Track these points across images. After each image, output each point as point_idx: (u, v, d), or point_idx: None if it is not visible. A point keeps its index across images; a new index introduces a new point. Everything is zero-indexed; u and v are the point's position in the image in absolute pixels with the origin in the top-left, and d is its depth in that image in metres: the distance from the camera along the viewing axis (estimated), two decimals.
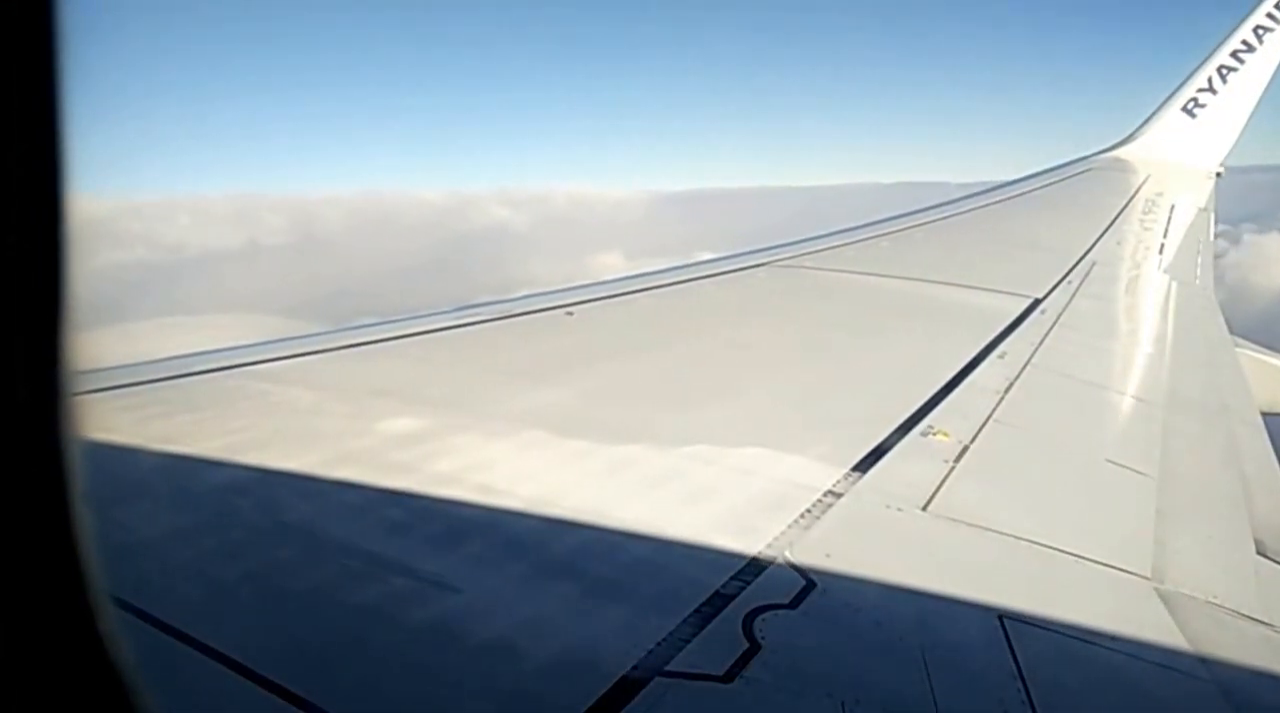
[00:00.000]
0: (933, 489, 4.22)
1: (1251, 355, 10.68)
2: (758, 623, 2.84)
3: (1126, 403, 7.00)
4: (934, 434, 4.96)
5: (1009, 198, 16.37)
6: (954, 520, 3.97)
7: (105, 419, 3.87)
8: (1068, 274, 10.88)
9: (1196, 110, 20.82)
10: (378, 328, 5.87)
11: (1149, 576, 3.87)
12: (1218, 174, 20.72)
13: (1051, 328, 8.24)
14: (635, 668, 2.54)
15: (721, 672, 2.58)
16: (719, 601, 2.96)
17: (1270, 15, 20.23)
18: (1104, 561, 3.89)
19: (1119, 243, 14.15)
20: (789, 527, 3.60)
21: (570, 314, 6.73)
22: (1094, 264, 11.88)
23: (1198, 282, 13.69)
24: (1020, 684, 2.76)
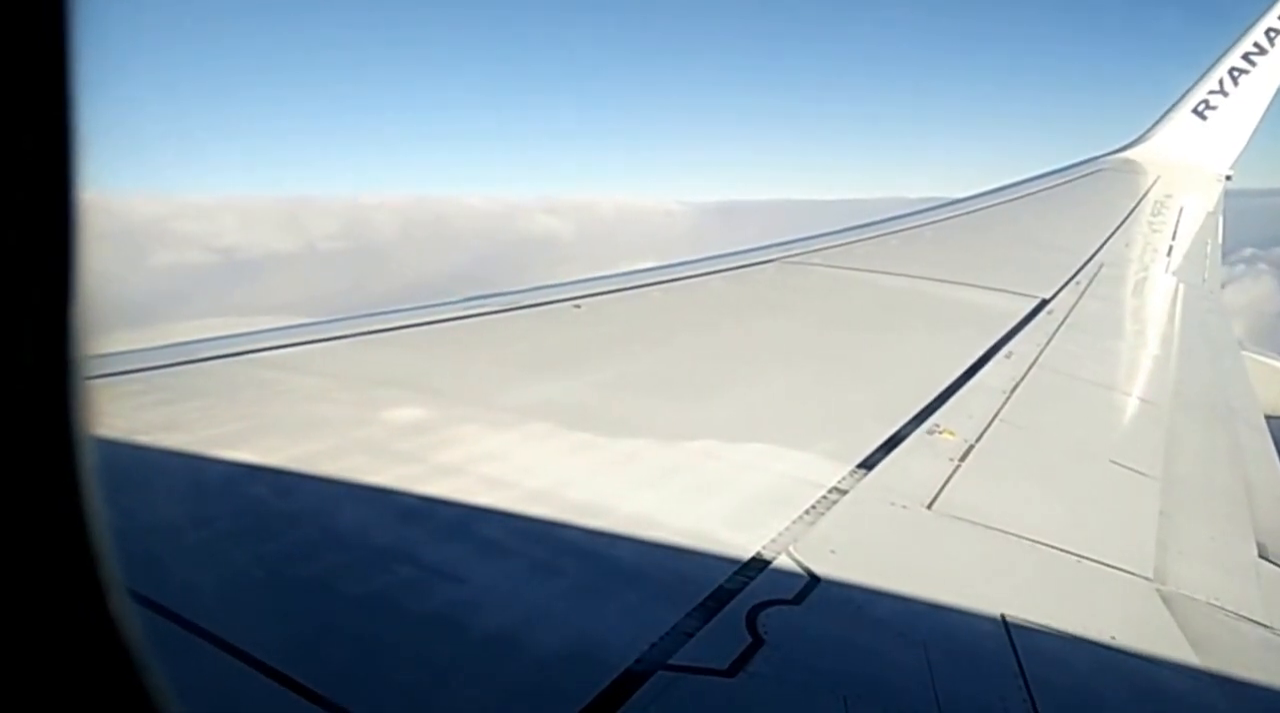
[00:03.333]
0: (937, 488, 4.23)
1: (1257, 359, 10.69)
2: (761, 618, 2.85)
3: (1132, 404, 7.00)
4: (939, 433, 4.97)
5: (1018, 198, 16.33)
6: (958, 519, 3.98)
7: (109, 406, 3.86)
8: (1075, 275, 10.87)
9: (1207, 113, 20.75)
10: (385, 317, 5.86)
11: (1151, 577, 3.88)
12: (1227, 177, 20.66)
13: (1058, 328, 8.25)
14: (639, 661, 2.54)
15: (725, 666, 2.58)
16: (723, 595, 2.97)
17: None
18: (1106, 561, 3.89)
19: (1127, 244, 14.14)
20: (793, 523, 3.61)
21: (578, 307, 6.72)
22: (1102, 265, 11.87)
23: (1205, 284, 13.68)
24: (1022, 683, 2.77)
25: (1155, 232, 15.69)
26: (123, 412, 3.85)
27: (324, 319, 5.86)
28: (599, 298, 7.08)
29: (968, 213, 14.55)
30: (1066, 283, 10.33)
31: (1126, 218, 15.74)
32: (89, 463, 0.91)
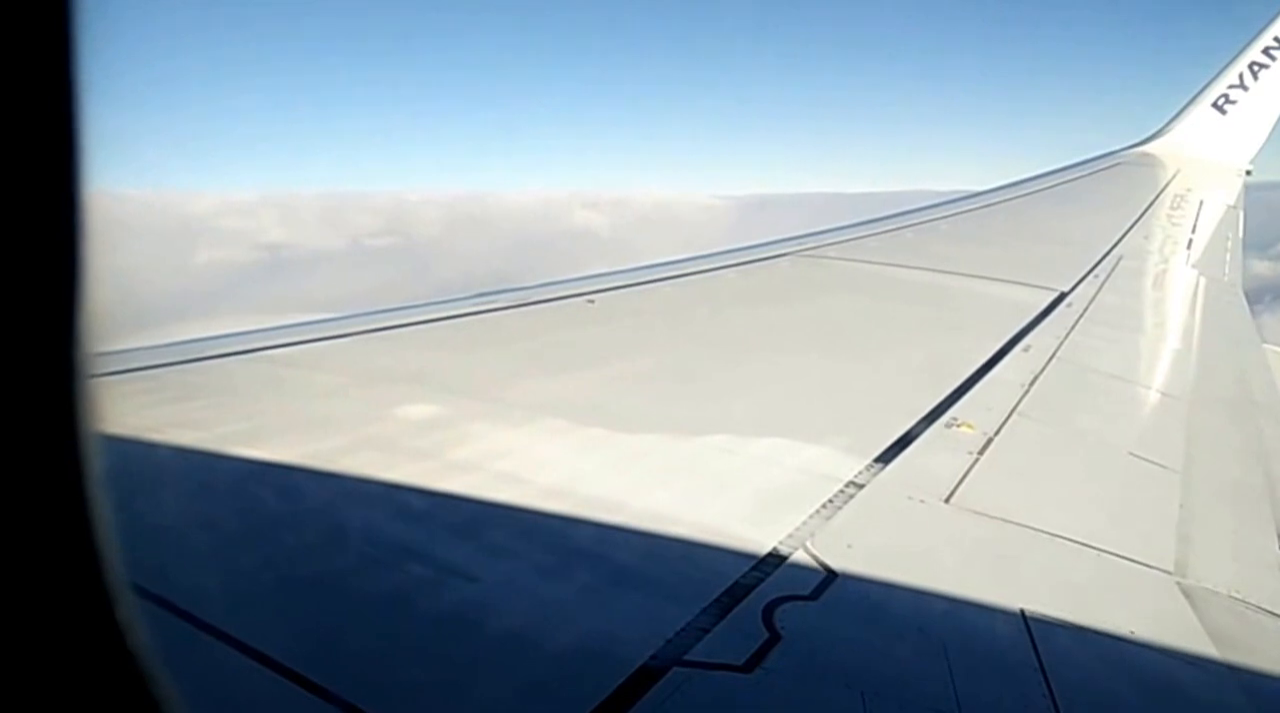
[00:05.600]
0: (955, 481, 4.20)
1: (1278, 352, 10.63)
2: (778, 614, 2.83)
3: (1151, 397, 6.97)
4: (957, 426, 4.94)
5: (1035, 191, 16.28)
6: (976, 513, 3.95)
7: (122, 403, 3.87)
8: (1094, 268, 10.82)
9: (1227, 107, 20.64)
10: (398, 313, 5.86)
11: (1171, 570, 3.85)
12: (1247, 172, 20.54)
13: (1077, 321, 8.21)
14: (654, 657, 2.52)
15: (741, 662, 2.57)
16: (739, 591, 2.95)
17: None
18: (1127, 555, 3.86)
19: (1146, 238, 14.09)
20: (810, 517, 3.59)
21: (592, 302, 6.71)
22: (1120, 258, 11.82)
23: (1225, 278, 13.61)
24: (1042, 678, 2.74)
25: (1175, 225, 15.63)
26: (136, 409, 3.85)
27: (337, 316, 5.85)
28: (612, 293, 7.07)
29: (984, 207, 14.51)
30: (1085, 276, 10.29)
31: (1145, 211, 15.68)
32: (95, 462, 0.90)
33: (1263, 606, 3.81)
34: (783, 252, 9.63)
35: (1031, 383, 6.07)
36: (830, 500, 3.78)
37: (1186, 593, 3.66)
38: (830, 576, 3.14)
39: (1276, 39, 20.20)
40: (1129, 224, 14.28)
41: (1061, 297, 9.07)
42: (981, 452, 4.64)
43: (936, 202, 14.42)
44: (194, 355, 4.63)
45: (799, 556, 3.25)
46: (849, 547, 3.37)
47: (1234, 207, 18.45)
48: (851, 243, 10.53)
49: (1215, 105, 20.78)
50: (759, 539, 3.33)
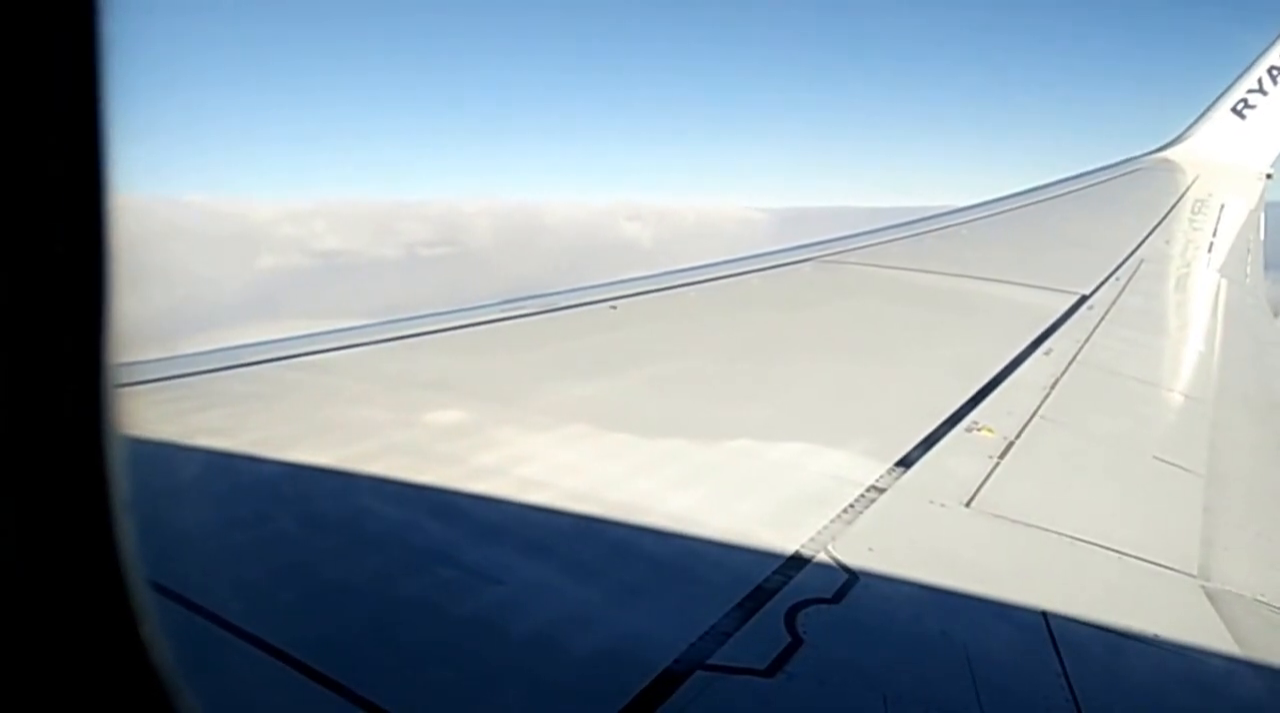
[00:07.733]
0: (976, 485, 4.20)
1: None
2: (800, 618, 2.83)
3: (1174, 400, 6.94)
4: (978, 430, 4.93)
5: (1055, 196, 16.22)
6: (998, 517, 3.94)
7: (154, 411, 3.89)
8: (1115, 271, 10.79)
9: (1246, 112, 20.51)
10: (423, 320, 5.88)
11: (1195, 573, 3.83)
12: (1268, 176, 20.43)
13: (1098, 324, 8.18)
14: (677, 661, 2.53)
15: (763, 666, 2.57)
16: (761, 595, 2.95)
17: None
18: (1150, 558, 3.85)
19: (1167, 241, 14.05)
20: (831, 521, 3.59)
21: (614, 308, 6.72)
22: (1142, 262, 11.78)
23: (1248, 281, 13.56)
24: (1065, 681, 2.74)
25: (1196, 229, 15.59)
26: (169, 416, 3.88)
27: (366, 323, 5.88)
28: (634, 299, 7.07)
29: (1004, 212, 14.46)
30: (1106, 279, 10.26)
31: (1166, 215, 15.63)
32: (118, 464, 0.91)
33: None
34: (805, 257, 9.62)
35: (1053, 386, 6.05)
36: (852, 505, 3.78)
37: (1210, 596, 3.65)
38: (852, 579, 3.14)
39: None
40: (1150, 228, 14.24)
41: (1083, 300, 9.05)
42: (1002, 456, 4.63)
43: (955, 208, 14.40)
44: (227, 363, 4.65)
45: (821, 559, 3.25)
46: (870, 550, 3.38)
47: (1255, 211, 18.37)
48: (873, 248, 10.51)
49: (1234, 110, 20.67)
50: (781, 543, 3.33)
